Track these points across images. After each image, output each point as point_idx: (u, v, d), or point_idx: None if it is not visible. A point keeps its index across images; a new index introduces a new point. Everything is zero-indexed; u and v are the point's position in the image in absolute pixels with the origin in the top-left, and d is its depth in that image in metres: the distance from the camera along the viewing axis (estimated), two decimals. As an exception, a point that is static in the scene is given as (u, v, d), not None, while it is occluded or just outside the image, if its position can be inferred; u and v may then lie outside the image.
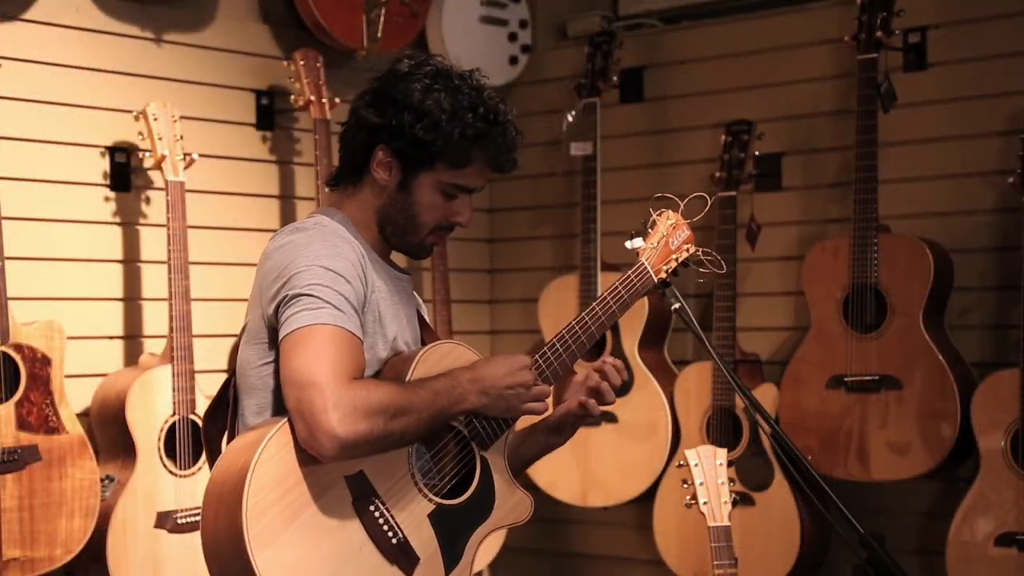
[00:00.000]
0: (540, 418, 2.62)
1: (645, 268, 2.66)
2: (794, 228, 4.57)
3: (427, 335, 2.61)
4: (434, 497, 2.40)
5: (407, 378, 2.37)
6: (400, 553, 2.34)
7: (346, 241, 2.42)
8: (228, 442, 2.47)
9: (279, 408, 2.38)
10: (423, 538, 2.38)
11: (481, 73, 2.53)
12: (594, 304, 2.59)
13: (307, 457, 2.26)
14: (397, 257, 2.61)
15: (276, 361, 2.37)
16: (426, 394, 2.34)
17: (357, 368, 2.31)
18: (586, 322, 2.57)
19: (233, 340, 4.23)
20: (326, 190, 2.62)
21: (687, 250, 2.72)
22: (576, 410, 2.60)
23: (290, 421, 2.27)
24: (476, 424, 2.47)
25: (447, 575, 2.42)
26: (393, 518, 2.34)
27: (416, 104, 2.43)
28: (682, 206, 2.73)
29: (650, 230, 2.71)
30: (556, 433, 2.65)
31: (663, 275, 2.68)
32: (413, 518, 2.37)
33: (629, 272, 2.65)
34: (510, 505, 2.52)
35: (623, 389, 4.61)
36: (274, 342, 2.37)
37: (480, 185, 2.52)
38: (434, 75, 2.47)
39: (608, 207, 4.73)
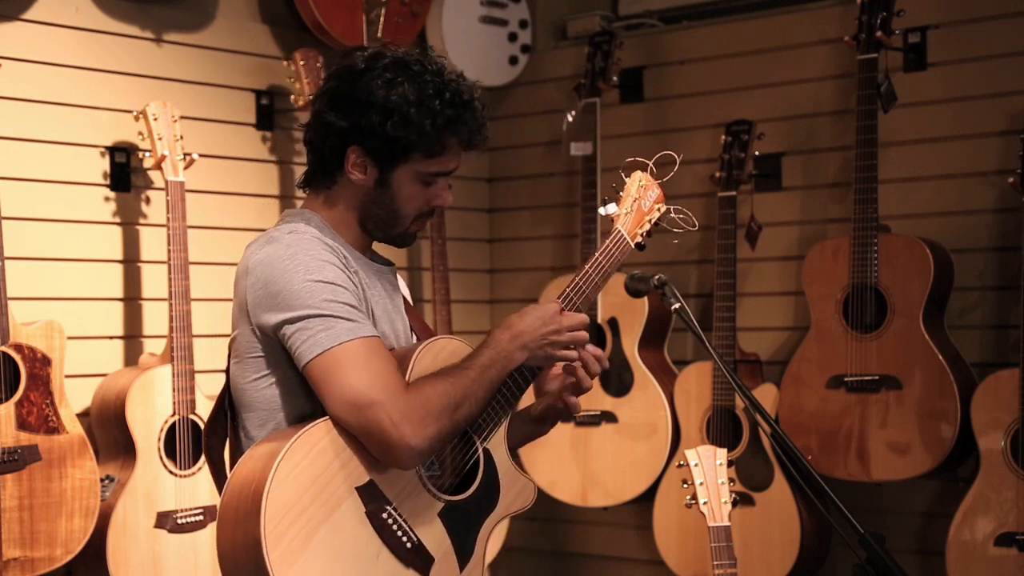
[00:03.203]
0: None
1: (622, 235, 2.63)
2: (794, 228, 4.57)
3: (413, 320, 2.61)
4: (442, 495, 2.41)
5: (406, 378, 2.36)
6: (415, 556, 2.37)
7: (325, 245, 2.40)
8: (231, 454, 2.48)
9: (280, 420, 2.40)
10: (436, 537, 2.40)
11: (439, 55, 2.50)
12: (576, 278, 2.54)
13: (317, 475, 2.28)
14: (383, 248, 2.60)
15: (271, 376, 2.39)
16: (475, 373, 2.37)
17: (396, 368, 2.33)
18: (574, 295, 2.53)
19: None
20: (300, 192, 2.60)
21: (659, 210, 2.69)
22: (559, 405, 2.61)
23: (298, 438, 2.27)
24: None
25: (461, 570, 2.44)
26: (406, 522, 2.36)
27: (381, 101, 2.39)
28: (651, 165, 2.69)
29: (621, 194, 2.67)
30: (539, 423, 2.66)
31: (639, 239, 2.66)
32: (424, 519, 2.38)
33: (607, 241, 2.61)
34: (514, 492, 2.54)
35: (623, 389, 4.65)
36: (270, 357, 2.38)
37: (455, 167, 2.50)
38: (392, 66, 2.43)
39: (608, 207, 4.72)
